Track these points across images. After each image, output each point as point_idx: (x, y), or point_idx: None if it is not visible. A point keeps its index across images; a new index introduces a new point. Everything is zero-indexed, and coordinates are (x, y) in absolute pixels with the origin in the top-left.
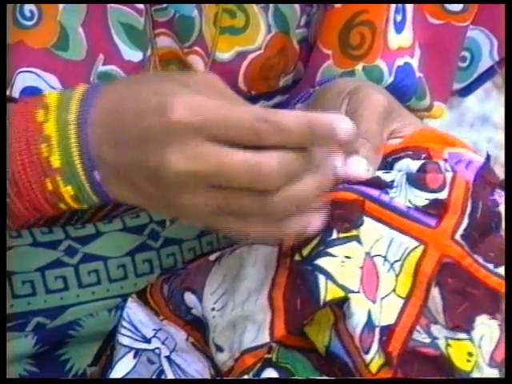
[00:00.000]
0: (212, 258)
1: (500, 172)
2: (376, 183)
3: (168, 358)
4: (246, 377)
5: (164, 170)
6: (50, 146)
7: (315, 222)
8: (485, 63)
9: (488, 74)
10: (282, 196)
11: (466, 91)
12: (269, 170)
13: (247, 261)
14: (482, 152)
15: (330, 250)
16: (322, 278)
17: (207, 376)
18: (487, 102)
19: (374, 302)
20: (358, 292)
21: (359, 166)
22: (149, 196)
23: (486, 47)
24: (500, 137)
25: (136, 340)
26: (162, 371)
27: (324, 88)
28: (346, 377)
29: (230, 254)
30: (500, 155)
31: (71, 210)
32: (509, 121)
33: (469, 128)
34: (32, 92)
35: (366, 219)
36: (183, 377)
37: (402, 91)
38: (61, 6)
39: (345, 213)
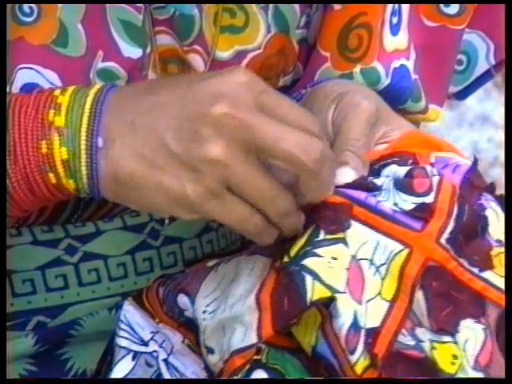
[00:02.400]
0: (210, 264)
1: (501, 172)
2: (364, 185)
3: (165, 361)
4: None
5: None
6: (59, 110)
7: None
8: (481, 67)
9: (485, 78)
10: (324, 177)
11: (462, 94)
12: (318, 148)
13: (244, 270)
14: (480, 152)
15: (317, 251)
16: (308, 278)
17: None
18: (487, 101)
19: (359, 303)
20: (345, 292)
21: (348, 177)
22: (153, 167)
23: (483, 50)
24: (500, 136)
25: (134, 342)
26: (160, 374)
27: (313, 90)
28: (331, 376)
29: (228, 261)
30: (500, 155)
31: (54, 194)
32: (509, 120)
33: (469, 127)
34: (32, 89)
35: (353, 222)
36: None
37: (398, 93)
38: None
39: (332, 215)
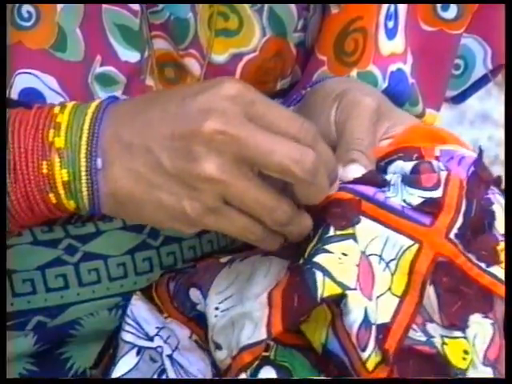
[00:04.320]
0: (223, 260)
1: (501, 171)
2: (373, 180)
3: (170, 356)
4: (243, 375)
5: (200, 135)
6: (58, 130)
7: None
8: (478, 71)
9: (482, 82)
10: (318, 183)
11: (459, 98)
12: (310, 158)
13: (260, 270)
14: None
15: (327, 247)
16: (319, 275)
17: (209, 375)
18: (488, 100)
19: (370, 299)
20: (355, 289)
21: (358, 173)
22: (151, 186)
23: (480, 55)
24: (501, 134)
25: (139, 337)
26: (164, 370)
27: (313, 90)
28: (342, 375)
29: (243, 260)
30: (500, 153)
31: (53, 212)
32: (509, 121)
33: (469, 126)
34: (30, 93)
35: (362, 218)
36: (185, 376)
37: (396, 97)
38: (59, 6)
39: (342, 211)
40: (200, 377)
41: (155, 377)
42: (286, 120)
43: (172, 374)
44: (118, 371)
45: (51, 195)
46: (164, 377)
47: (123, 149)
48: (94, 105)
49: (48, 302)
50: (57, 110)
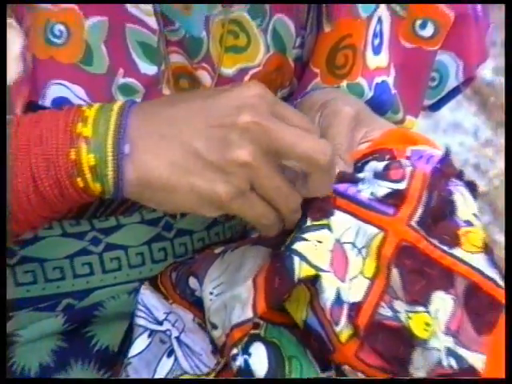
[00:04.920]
0: (217, 251)
1: (471, 173)
2: (345, 177)
3: (177, 338)
4: (235, 350)
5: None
6: (85, 122)
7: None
8: (451, 83)
9: (454, 93)
10: (333, 173)
11: (435, 107)
12: (329, 150)
13: (248, 259)
14: (452, 154)
15: (304, 236)
16: (296, 259)
17: (210, 352)
18: (459, 111)
19: (343, 281)
20: (329, 271)
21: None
22: (186, 172)
23: (453, 69)
24: (470, 141)
25: (150, 322)
26: (172, 350)
27: (301, 101)
28: (321, 347)
29: (233, 250)
30: (470, 158)
31: (81, 196)
32: (509, 121)
33: (443, 133)
34: (61, 102)
35: (337, 212)
36: (190, 354)
37: (380, 105)
38: (86, 25)
39: (318, 205)
40: (203, 354)
41: (165, 356)
42: (302, 119)
43: (179, 354)
44: (133, 351)
45: (79, 179)
46: (172, 356)
47: (154, 138)
48: (119, 102)
49: (75, 286)
50: (84, 107)
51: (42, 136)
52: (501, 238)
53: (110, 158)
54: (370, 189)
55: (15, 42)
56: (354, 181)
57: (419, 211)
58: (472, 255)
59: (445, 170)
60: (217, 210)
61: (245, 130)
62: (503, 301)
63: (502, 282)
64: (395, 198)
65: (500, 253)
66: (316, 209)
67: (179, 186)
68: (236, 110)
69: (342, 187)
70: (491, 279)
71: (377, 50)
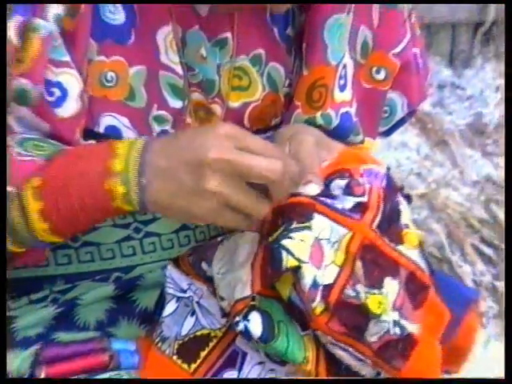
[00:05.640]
0: (219, 239)
1: (414, 178)
2: (324, 193)
3: (198, 303)
4: (237, 317)
5: (203, 155)
6: (119, 159)
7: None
8: (399, 115)
9: (401, 122)
10: (286, 184)
11: (386, 133)
12: (278, 166)
13: (240, 244)
14: (401, 166)
15: (290, 235)
16: (284, 253)
17: (220, 315)
18: (405, 133)
19: (319, 268)
20: (308, 263)
21: (315, 190)
22: (177, 196)
23: (400, 104)
24: (414, 156)
25: (177, 291)
26: (194, 311)
27: (276, 133)
28: (303, 318)
29: (229, 238)
30: (414, 168)
31: (116, 214)
32: (509, 121)
33: (394, 150)
34: (112, 129)
35: (316, 215)
36: (207, 315)
37: (344, 130)
38: (130, 72)
39: (301, 210)
40: (216, 315)
41: (189, 316)
42: (262, 145)
43: (199, 314)
44: (165, 313)
45: (114, 203)
46: (194, 316)
47: (159, 172)
48: (140, 143)
49: (122, 263)
50: (116, 144)
51: (87, 168)
52: (437, 227)
53: (134, 188)
54: (341, 202)
55: (75, 86)
56: (330, 197)
57: (378, 218)
58: (410, 251)
59: (394, 187)
60: (205, 222)
61: (213, 164)
62: (429, 283)
63: (428, 270)
64: (360, 208)
65: (434, 239)
66: (299, 213)
67: (175, 207)
68: (206, 149)
69: (322, 197)
70: (422, 269)
71: (342, 89)
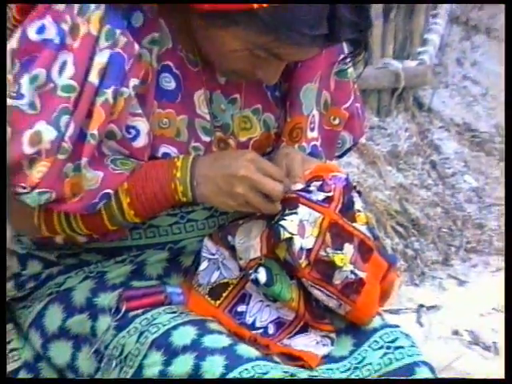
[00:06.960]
0: (240, 222)
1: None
2: (305, 189)
3: (222, 262)
4: (250, 271)
5: (237, 173)
6: (178, 169)
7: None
8: (347, 146)
9: (348, 150)
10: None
11: (339, 157)
12: (279, 188)
13: (253, 224)
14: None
15: (285, 218)
16: (281, 229)
17: (237, 269)
18: (350, 156)
19: (303, 238)
20: (297, 235)
21: (300, 187)
22: (219, 195)
23: (348, 139)
24: (355, 170)
25: (208, 254)
26: (219, 267)
27: (275, 153)
28: (295, 272)
29: (248, 221)
30: (355, 178)
31: (175, 204)
32: (509, 122)
33: (342, 167)
34: (166, 154)
35: (300, 205)
36: (228, 269)
37: (313, 156)
38: (178, 119)
39: (291, 202)
40: (234, 269)
41: (215, 270)
42: (273, 170)
43: (222, 269)
44: (200, 268)
45: (176, 196)
46: (219, 270)
47: (204, 179)
48: (191, 158)
49: (173, 238)
50: (176, 160)
51: (159, 176)
52: (369, 215)
53: (189, 187)
54: (316, 196)
55: (144, 128)
56: (309, 192)
57: (339, 206)
58: (361, 226)
59: (350, 186)
60: (232, 210)
61: (241, 179)
62: (373, 246)
63: (372, 238)
64: (328, 200)
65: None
66: (290, 204)
67: (216, 201)
68: (237, 168)
69: (303, 193)
70: (369, 237)
71: (312, 130)
